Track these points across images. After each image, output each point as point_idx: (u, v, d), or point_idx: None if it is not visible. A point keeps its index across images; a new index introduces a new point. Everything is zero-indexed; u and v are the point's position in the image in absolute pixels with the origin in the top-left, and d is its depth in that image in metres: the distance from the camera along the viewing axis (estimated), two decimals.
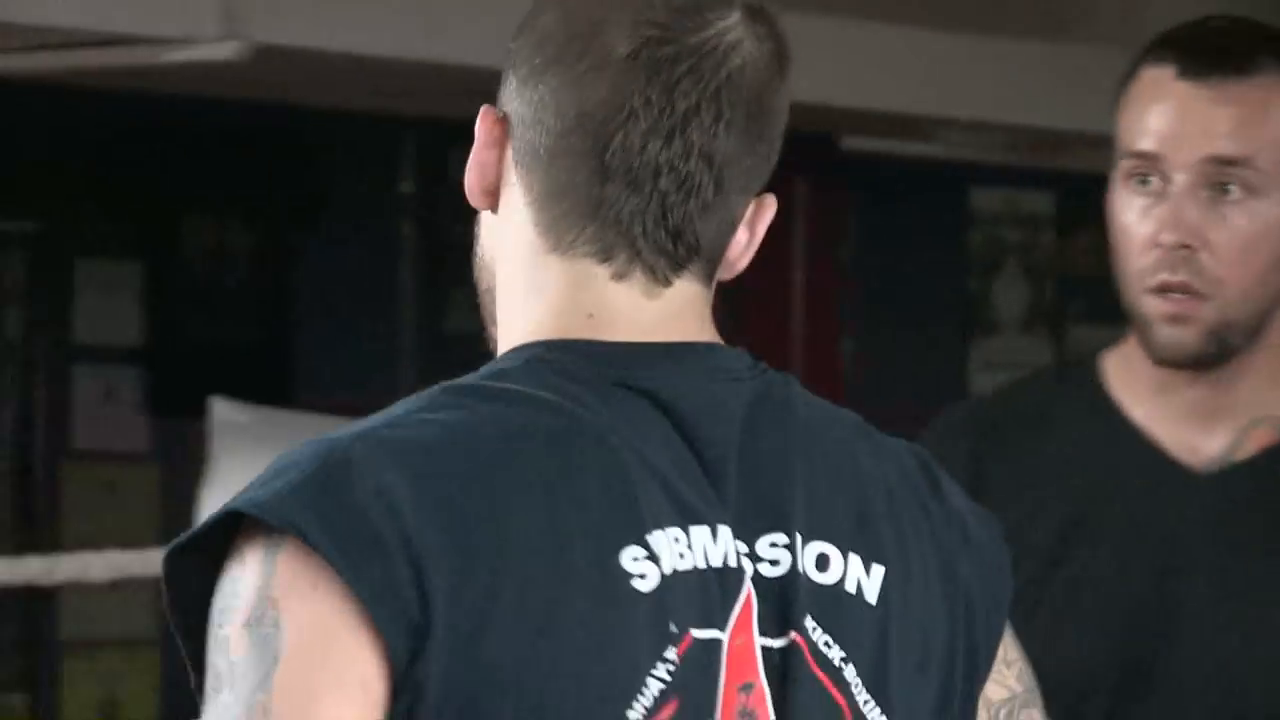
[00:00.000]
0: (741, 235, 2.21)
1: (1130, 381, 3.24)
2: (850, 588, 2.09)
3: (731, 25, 2.20)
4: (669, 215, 2.16)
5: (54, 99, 7.29)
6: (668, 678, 1.99)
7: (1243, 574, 3.20)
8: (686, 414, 2.12)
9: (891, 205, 9.04)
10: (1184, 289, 3.11)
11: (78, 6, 6.19)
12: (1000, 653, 2.26)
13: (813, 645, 2.04)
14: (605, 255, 2.17)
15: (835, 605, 2.06)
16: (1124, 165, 3.14)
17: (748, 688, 2.04)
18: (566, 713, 2.03)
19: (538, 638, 2.00)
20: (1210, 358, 3.17)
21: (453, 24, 6.82)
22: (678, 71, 2.17)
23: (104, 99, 7.37)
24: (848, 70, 7.48)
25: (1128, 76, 3.20)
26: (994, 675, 2.27)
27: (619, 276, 2.17)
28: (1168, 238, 3.09)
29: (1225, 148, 3.12)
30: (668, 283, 2.17)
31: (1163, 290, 3.11)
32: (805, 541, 2.08)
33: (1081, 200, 9.44)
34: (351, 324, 9.50)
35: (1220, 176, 3.12)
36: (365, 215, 9.87)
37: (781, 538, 2.07)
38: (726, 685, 2.02)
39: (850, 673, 2.07)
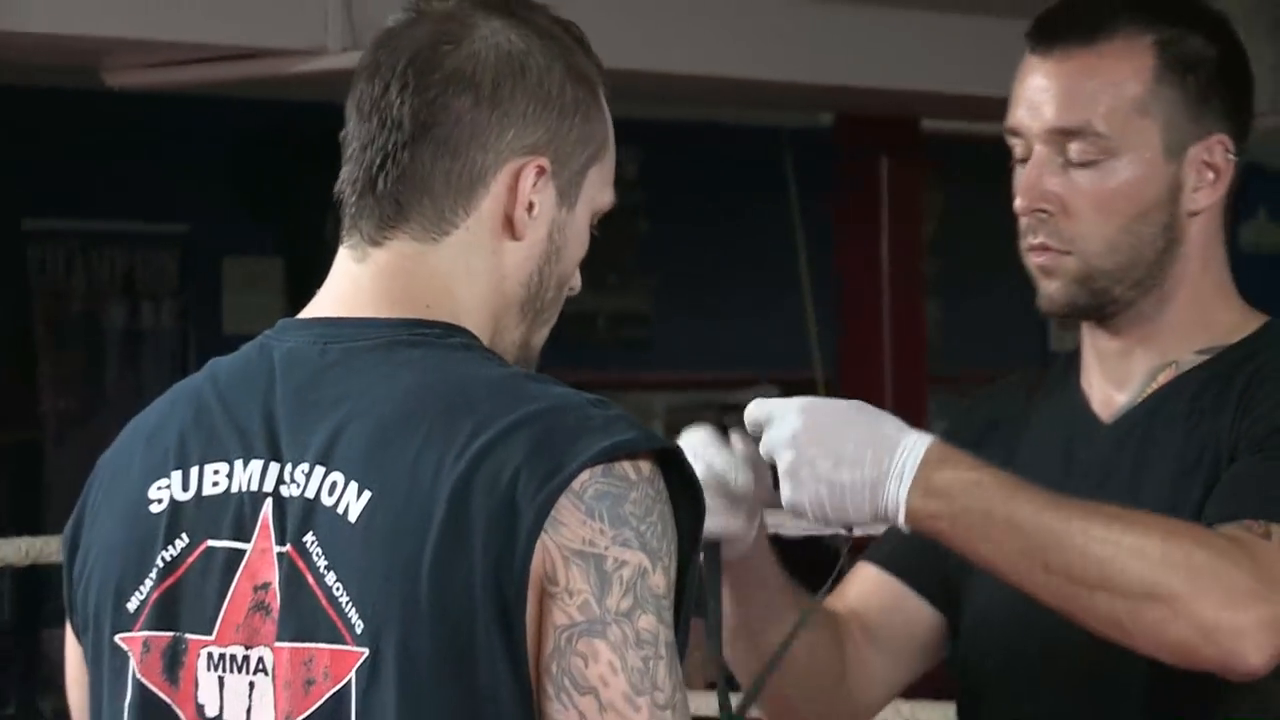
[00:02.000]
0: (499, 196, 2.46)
1: (1085, 348, 3.30)
2: (341, 509, 2.34)
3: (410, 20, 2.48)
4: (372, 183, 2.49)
5: (198, 109, 7.28)
6: (164, 573, 2.39)
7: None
8: (279, 373, 2.46)
9: (970, 182, 8.89)
10: (1044, 249, 3.09)
11: (218, 24, 6.27)
12: (563, 583, 2.30)
13: (308, 556, 2.33)
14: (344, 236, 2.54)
15: (329, 521, 2.33)
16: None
17: (264, 586, 2.34)
18: (101, 597, 2.46)
19: (90, 553, 2.51)
20: (1090, 306, 3.16)
21: None
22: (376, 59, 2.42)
23: (243, 108, 7.37)
24: (926, 57, 7.56)
25: None
26: (558, 604, 2.31)
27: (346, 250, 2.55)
28: (1022, 204, 3.10)
29: (1061, 118, 3.10)
30: (375, 244, 2.51)
31: (1032, 251, 3.12)
32: (323, 471, 2.35)
33: None
34: None
35: (1065, 144, 3.08)
36: None
37: (307, 470, 2.35)
38: (241, 582, 2.35)
39: (331, 577, 2.33)
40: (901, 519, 2.85)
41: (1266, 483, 3.08)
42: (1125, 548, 2.88)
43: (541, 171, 2.49)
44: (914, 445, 2.88)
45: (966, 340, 10.41)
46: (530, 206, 2.48)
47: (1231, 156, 3.14)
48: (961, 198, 9.54)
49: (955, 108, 8.28)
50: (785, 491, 2.78)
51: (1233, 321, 3.23)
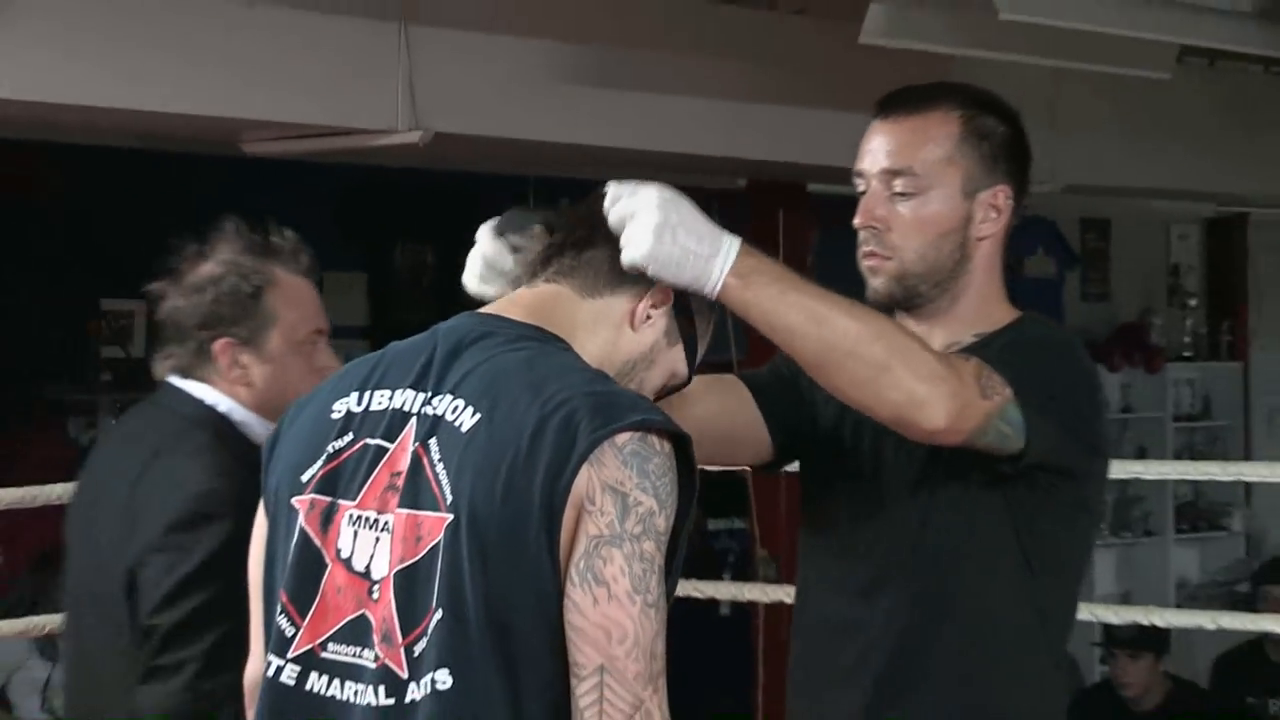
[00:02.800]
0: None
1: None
2: (457, 423, 2.55)
3: None
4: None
5: (302, 170, 7.14)
6: (331, 457, 2.62)
7: (919, 463, 3.19)
8: (439, 340, 2.67)
9: (837, 228, 8.64)
10: (873, 255, 3.14)
11: (315, 108, 6.17)
12: (598, 505, 2.50)
13: (429, 452, 2.55)
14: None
15: (448, 431, 2.55)
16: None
17: (398, 474, 2.55)
18: (284, 474, 2.70)
19: (280, 449, 2.75)
20: (903, 299, 3.19)
21: (562, 112, 6.79)
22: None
23: (336, 170, 7.23)
24: (813, 139, 7.42)
25: None
26: (591, 518, 2.50)
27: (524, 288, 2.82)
28: (860, 221, 3.16)
29: (892, 162, 3.15)
30: (545, 283, 2.79)
31: (865, 256, 3.16)
32: (452, 399, 2.58)
33: None
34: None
35: (892, 181, 3.13)
36: None
37: (444, 399, 2.57)
38: (383, 469, 2.58)
39: (440, 467, 2.55)
40: (718, 290, 2.86)
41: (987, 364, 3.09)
42: (874, 331, 2.94)
43: (662, 302, 2.77)
44: (732, 240, 2.87)
45: None
46: (647, 317, 2.76)
47: (1010, 202, 3.21)
48: (832, 239, 9.37)
49: (831, 175, 8.15)
50: (646, 244, 2.72)
51: (1000, 316, 3.26)
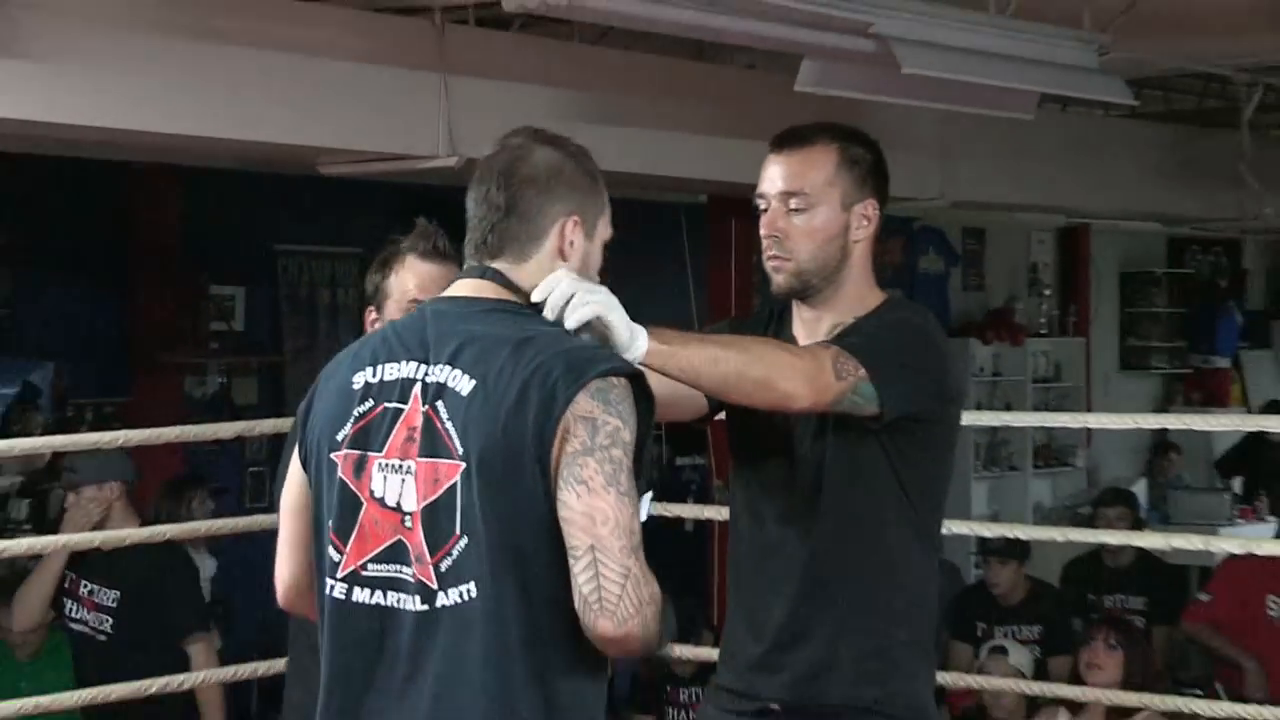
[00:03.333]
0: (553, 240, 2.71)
1: (794, 313, 3.30)
2: (458, 389, 2.55)
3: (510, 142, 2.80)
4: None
5: (364, 186, 7.06)
6: (358, 420, 2.62)
7: (805, 421, 3.20)
8: (429, 320, 2.65)
9: None
10: (775, 257, 3.16)
11: (376, 138, 6.13)
12: (574, 432, 2.49)
13: (438, 413, 2.56)
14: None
15: (451, 395, 2.55)
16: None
17: (414, 428, 2.56)
18: (321, 434, 2.69)
19: (315, 413, 2.72)
20: (799, 291, 3.21)
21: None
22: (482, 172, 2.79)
23: (389, 185, 7.15)
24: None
25: None
26: (570, 441, 2.50)
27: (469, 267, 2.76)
28: (765, 233, 3.18)
29: (787, 186, 3.16)
30: (487, 263, 2.73)
31: (769, 259, 3.18)
32: (450, 369, 2.57)
33: None
34: None
35: (788, 200, 3.15)
36: None
37: (443, 368, 2.57)
38: (401, 426, 2.58)
39: (450, 425, 2.55)
40: (644, 357, 2.85)
41: (847, 346, 3.10)
42: (752, 356, 2.97)
43: (577, 223, 2.73)
44: (641, 330, 2.86)
45: None
46: (571, 244, 2.73)
47: (876, 211, 3.22)
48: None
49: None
50: (624, 333, 2.73)
51: (873, 300, 3.25)
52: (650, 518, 3.05)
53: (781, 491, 3.22)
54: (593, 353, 2.62)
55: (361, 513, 2.61)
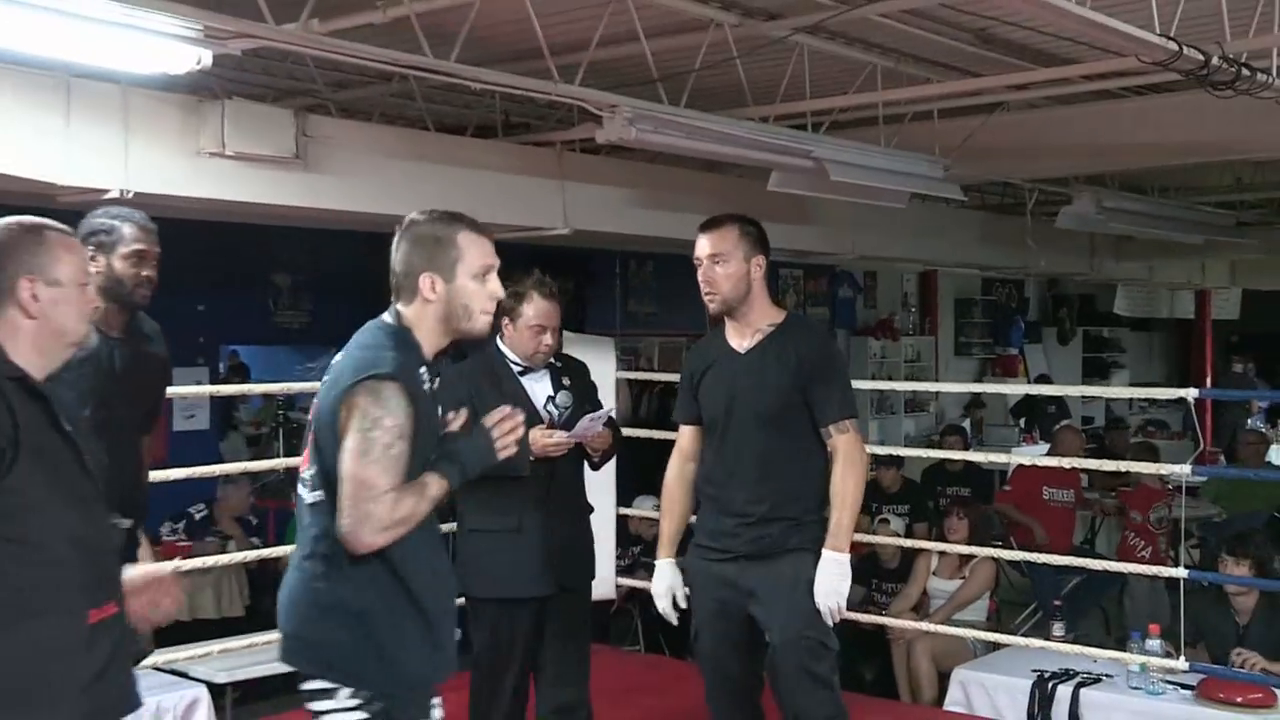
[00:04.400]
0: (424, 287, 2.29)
1: (729, 325, 3.14)
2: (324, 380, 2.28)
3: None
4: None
5: (510, 247, 7.03)
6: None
7: (752, 382, 3.06)
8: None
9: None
10: (710, 294, 3.05)
11: (514, 215, 6.10)
12: (349, 416, 2.18)
13: (318, 396, 2.28)
14: None
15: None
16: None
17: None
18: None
19: None
20: (726, 311, 3.08)
21: (627, 220, 6.74)
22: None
23: (527, 245, 7.14)
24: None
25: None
26: (347, 422, 2.18)
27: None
28: (701, 280, 3.07)
29: (712, 250, 3.06)
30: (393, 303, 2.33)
31: (705, 294, 3.06)
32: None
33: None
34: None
35: (714, 259, 3.05)
36: (602, 287, 9.66)
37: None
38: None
39: (314, 405, 2.28)
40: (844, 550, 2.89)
41: (831, 396, 3.02)
42: (856, 489, 2.97)
43: (432, 279, 2.30)
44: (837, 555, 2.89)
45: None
46: (432, 285, 2.29)
47: (764, 261, 3.08)
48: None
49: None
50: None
51: (775, 315, 3.12)
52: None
53: (735, 443, 3.08)
54: (371, 362, 2.23)
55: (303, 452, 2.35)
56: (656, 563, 3.19)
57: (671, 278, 9.78)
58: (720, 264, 3.06)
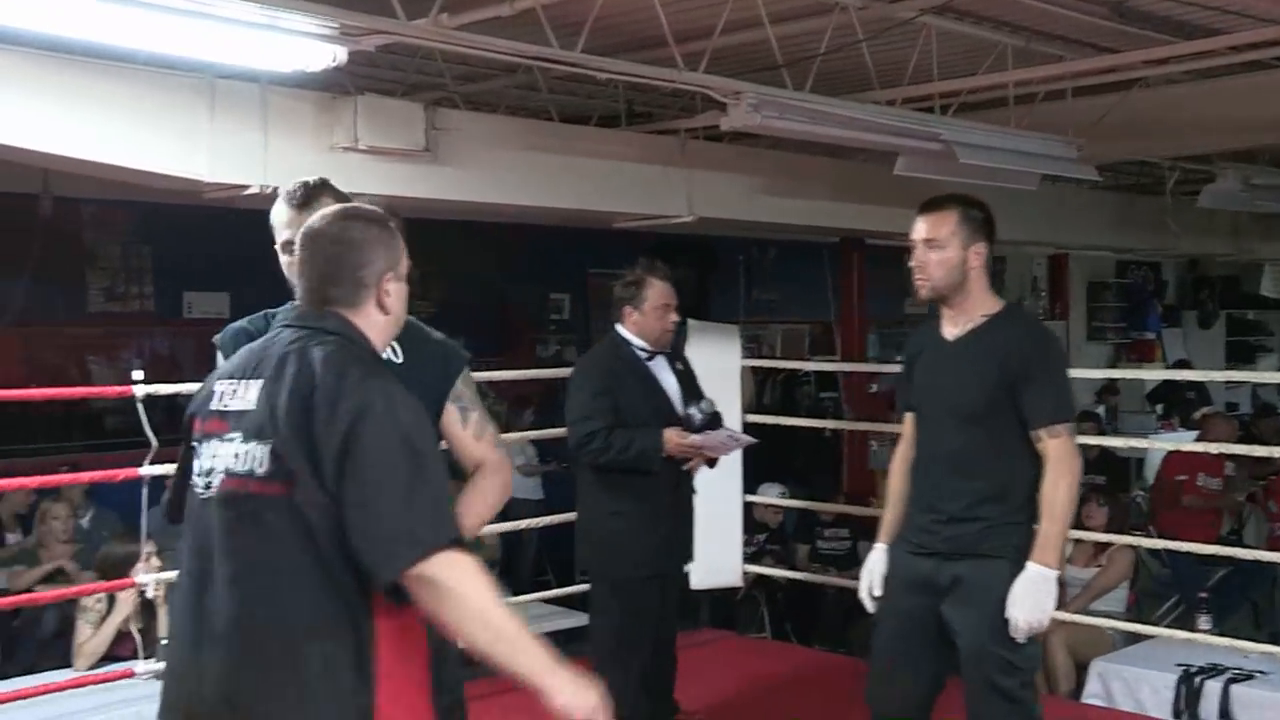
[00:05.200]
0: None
1: (943, 312, 2.92)
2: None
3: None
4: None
5: (637, 235, 6.84)
6: None
7: (959, 373, 2.83)
8: None
9: (880, 259, 8.43)
10: (920, 280, 2.84)
11: (648, 206, 6.16)
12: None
13: None
14: None
15: None
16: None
17: None
18: None
19: None
20: (939, 299, 2.87)
21: (749, 208, 6.70)
22: None
23: (651, 233, 7.03)
24: (866, 218, 7.30)
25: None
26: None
27: None
28: (914, 263, 2.87)
29: (928, 234, 2.83)
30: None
31: (916, 278, 2.86)
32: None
33: None
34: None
35: (929, 243, 2.82)
36: (726, 275, 9.63)
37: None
38: None
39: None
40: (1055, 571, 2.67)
41: (1044, 396, 2.76)
42: (1067, 507, 2.71)
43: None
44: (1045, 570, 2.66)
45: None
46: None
47: (984, 248, 2.86)
48: (874, 263, 8.96)
49: (877, 235, 7.94)
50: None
51: (992, 305, 2.88)
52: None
53: (952, 428, 2.86)
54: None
55: None
56: (874, 546, 3.02)
57: (794, 265, 9.73)
58: (935, 249, 2.84)
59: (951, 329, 2.90)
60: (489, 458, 2.28)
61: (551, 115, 5.90)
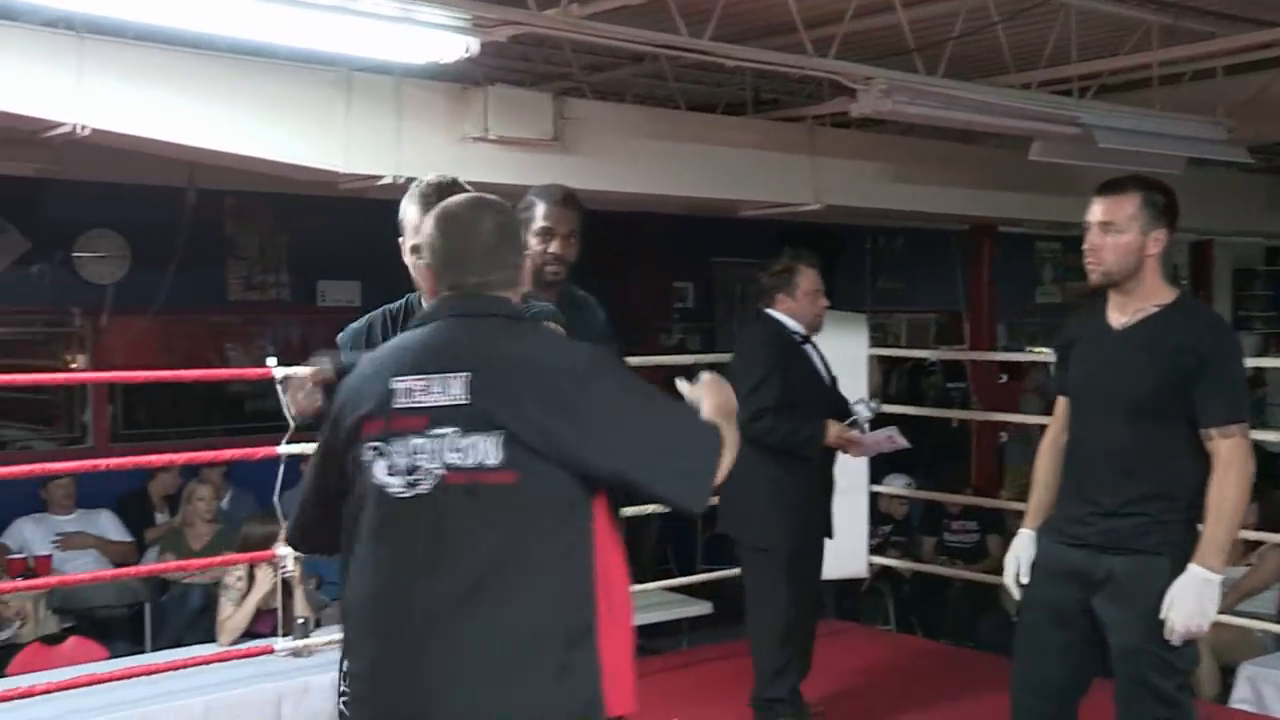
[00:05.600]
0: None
1: (1111, 299, 2.79)
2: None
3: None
4: None
5: (762, 222, 6.75)
6: None
7: (1127, 363, 2.70)
8: None
9: (1009, 247, 8.08)
10: (1092, 264, 2.72)
11: (774, 193, 6.07)
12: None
13: None
14: None
15: None
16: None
17: None
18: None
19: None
20: (1110, 284, 2.74)
21: (875, 193, 6.60)
22: None
23: (775, 221, 6.90)
24: (999, 205, 7.12)
25: None
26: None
27: None
28: (1087, 246, 2.74)
29: (1104, 216, 2.70)
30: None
31: (1089, 261, 2.73)
32: None
33: None
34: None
35: (1106, 226, 2.69)
36: (852, 264, 9.50)
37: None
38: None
39: None
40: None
41: (1217, 394, 2.64)
42: (1238, 504, 2.61)
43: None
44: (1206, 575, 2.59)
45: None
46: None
47: (1165, 235, 2.72)
48: (1003, 252, 8.66)
49: (1007, 222, 7.77)
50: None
51: (1166, 294, 2.74)
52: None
53: (1116, 422, 2.74)
54: None
55: None
56: (1019, 531, 2.93)
57: (921, 253, 9.55)
58: (1111, 233, 2.72)
59: (1119, 317, 2.78)
60: None
61: (678, 104, 5.89)
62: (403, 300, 2.47)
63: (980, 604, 5.89)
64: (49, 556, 5.43)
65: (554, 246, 2.89)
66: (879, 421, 3.94)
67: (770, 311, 3.89)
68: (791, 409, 3.72)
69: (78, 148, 4.32)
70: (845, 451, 3.87)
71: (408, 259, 2.30)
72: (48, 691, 3.58)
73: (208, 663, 3.93)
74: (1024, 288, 9.12)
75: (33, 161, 5.11)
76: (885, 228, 9.32)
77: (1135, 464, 2.68)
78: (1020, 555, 2.86)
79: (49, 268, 6.41)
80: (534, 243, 2.87)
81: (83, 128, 3.92)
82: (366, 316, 2.46)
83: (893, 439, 3.84)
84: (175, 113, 4.21)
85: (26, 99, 3.83)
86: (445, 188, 2.25)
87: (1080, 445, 2.81)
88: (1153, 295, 2.76)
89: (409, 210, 2.31)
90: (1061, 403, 2.93)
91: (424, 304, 2.21)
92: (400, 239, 2.35)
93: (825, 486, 3.89)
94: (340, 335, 2.44)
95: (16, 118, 3.88)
